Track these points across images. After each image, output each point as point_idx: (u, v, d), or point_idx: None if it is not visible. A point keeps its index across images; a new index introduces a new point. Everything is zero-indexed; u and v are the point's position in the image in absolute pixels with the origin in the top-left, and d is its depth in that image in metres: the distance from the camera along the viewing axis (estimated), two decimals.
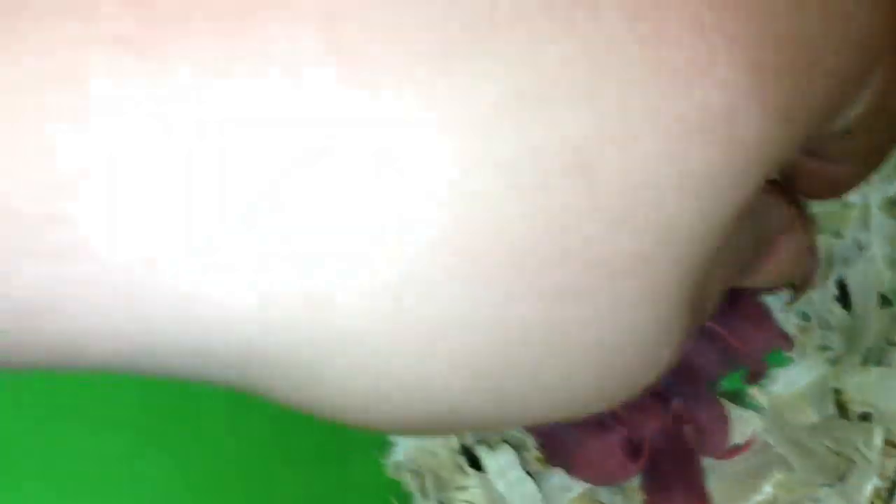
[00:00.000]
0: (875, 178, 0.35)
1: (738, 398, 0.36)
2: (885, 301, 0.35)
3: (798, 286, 0.33)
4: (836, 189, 0.22)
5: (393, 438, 0.39)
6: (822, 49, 0.15)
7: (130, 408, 0.31)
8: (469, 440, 0.38)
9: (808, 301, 0.35)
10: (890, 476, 0.33)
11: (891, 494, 0.33)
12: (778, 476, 0.34)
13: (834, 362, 0.35)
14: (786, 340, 0.34)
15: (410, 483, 0.39)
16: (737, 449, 0.35)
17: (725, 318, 0.34)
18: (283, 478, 0.38)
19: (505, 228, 0.13)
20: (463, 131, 0.13)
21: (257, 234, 0.13)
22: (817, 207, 0.35)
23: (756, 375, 0.35)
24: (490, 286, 0.14)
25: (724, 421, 0.35)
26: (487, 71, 0.13)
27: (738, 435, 0.35)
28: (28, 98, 0.12)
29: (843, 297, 0.36)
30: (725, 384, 0.36)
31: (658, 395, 0.35)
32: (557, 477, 0.37)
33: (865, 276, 0.35)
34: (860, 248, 0.35)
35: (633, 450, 0.34)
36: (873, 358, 0.34)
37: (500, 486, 0.37)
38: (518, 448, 0.38)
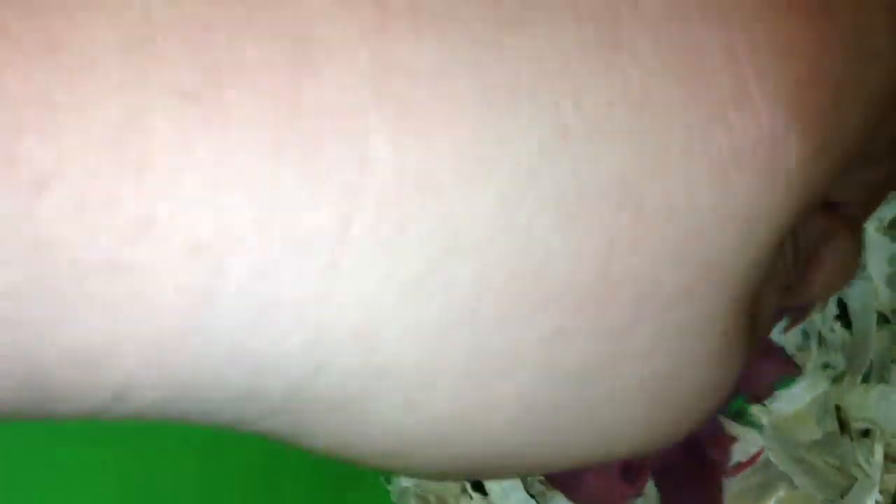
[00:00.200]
0: None
1: (739, 416, 0.36)
2: (883, 320, 0.35)
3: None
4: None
5: None
6: (855, 82, 0.15)
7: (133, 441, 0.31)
8: None
9: (809, 320, 0.36)
10: (891, 491, 0.33)
11: None
12: (780, 493, 0.34)
13: (835, 380, 0.35)
14: (794, 367, 0.35)
15: None
16: (740, 466, 0.35)
17: None
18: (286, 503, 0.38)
19: (550, 264, 0.14)
20: (508, 170, 0.13)
21: (312, 269, 0.13)
22: None
23: (759, 397, 0.35)
24: (536, 323, 0.14)
25: (726, 440, 0.35)
26: (532, 115, 0.13)
27: (740, 453, 0.35)
28: (98, 150, 0.12)
29: (843, 316, 0.36)
30: (727, 403, 0.36)
31: None
32: (561, 500, 0.37)
33: (865, 295, 0.36)
34: (859, 267, 0.36)
35: (632, 473, 0.34)
36: (874, 375, 0.34)
37: None
38: None
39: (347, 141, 0.12)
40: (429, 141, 0.12)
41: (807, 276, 0.21)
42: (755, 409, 0.36)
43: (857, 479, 0.34)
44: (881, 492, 0.33)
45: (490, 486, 0.38)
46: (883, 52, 0.15)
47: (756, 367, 0.34)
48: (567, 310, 0.14)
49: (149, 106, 0.12)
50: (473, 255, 0.13)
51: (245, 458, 0.35)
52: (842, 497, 0.34)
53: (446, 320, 0.14)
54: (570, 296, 0.14)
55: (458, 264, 0.13)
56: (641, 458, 0.34)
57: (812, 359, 0.36)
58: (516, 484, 0.38)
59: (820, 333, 0.36)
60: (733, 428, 0.35)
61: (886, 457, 0.34)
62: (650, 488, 0.35)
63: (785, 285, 0.20)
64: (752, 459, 0.35)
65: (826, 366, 0.36)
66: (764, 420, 0.36)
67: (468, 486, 0.39)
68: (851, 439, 0.34)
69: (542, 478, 0.38)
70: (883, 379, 0.34)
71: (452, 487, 0.39)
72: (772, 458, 0.35)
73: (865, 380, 0.35)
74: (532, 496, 0.38)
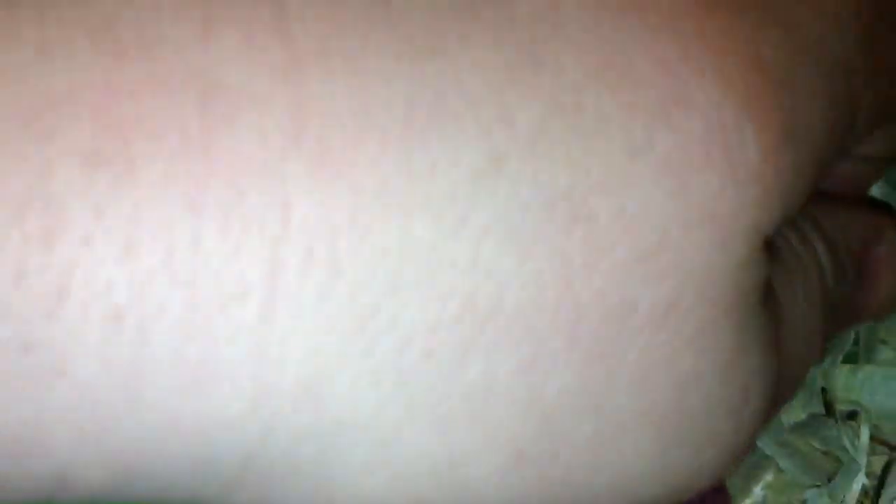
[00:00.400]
0: None
1: None
2: None
3: None
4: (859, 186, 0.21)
5: None
6: (804, 72, 0.14)
7: None
8: None
9: None
10: (877, 474, 0.34)
11: (878, 493, 0.33)
12: (768, 478, 0.34)
13: (821, 361, 0.35)
14: None
15: None
16: None
17: None
18: None
19: (507, 291, 0.13)
20: (441, 200, 0.12)
21: (243, 326, 0.12)
22: None
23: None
24: (503, 356, 0.13)
25: None
26: (462, 141, 0.12)
27: None
28: (1, 226, 0.11)
29: None
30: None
31: None
32: None
33: None
34: None
35: None
36: (861, 356, 0.34)
37: None
38: None
39: (268, 189, 0.12)
40: (353, 180, 0.12)
41: (862, 290, 0.19)
42: None
43: (842, 462, 0.34)
44: (867, 475, 0.33)
45: None
46: (827, 38, 0.15)
47: None
48: (535, 338, 0.13)
49: (51, 172, 0.11)
50: (417, 293, 0.13)
51: None
52: (829, 481, 0.34)
53: (400, 363, 0.13)
54: (535, 323, 0.13)
55: (402, 303, 0.13)
56: None
57: None
58: None
59: None
60: None
61: (873, 438, 0.34)
62: None
63: (833, 302, 0.18)
64: None
65: None
66: None
67: None
68: (837, 421, 0.34)
69: None
70: (869, 360, 0.34)
71: None
72: (757, 442, 0.34)
73: (852, 360, 0.34)
74: None
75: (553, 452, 0.14)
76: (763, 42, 0.14)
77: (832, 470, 0.34)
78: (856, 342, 0.34)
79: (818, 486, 0.34)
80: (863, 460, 0.33)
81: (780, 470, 0.34)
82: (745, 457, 0.16)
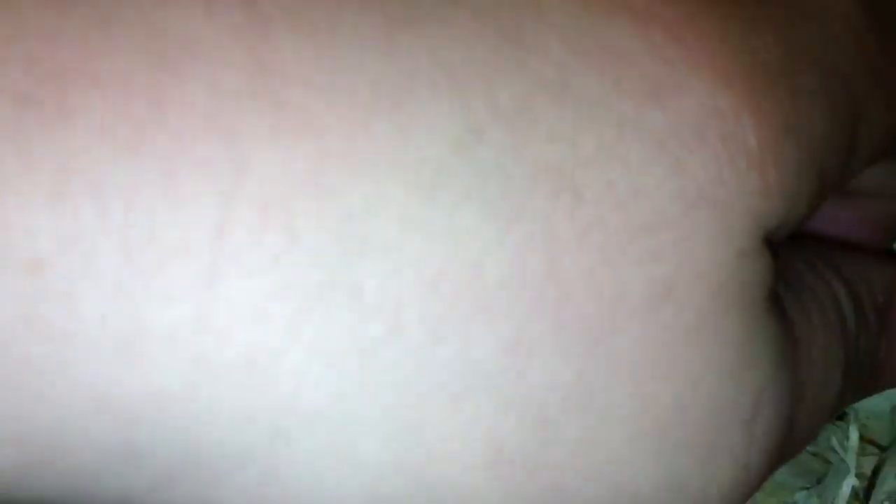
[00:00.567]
0: None
1: None
2: None
3: None
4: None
5: None
6: (802, 67, 0.14)
7: None
8: None
9: None
10: (867, 475, 0.33)
11: (868, 494, 0.33)
12: None
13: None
14: None
15: None
16: None
17: None
18: None
19: (485, 261, 0.12)
20: (415, 167, 0.12)
21: (184, 287, 0.11)
22: None
23: None
24: (481, 335, 0.12)
25: None
26: (439, 112, 0.12)
27: None
28: None
29: None
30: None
31: None
32: None
33: None
34: None
35: None
36: None
37: None
38: None
39: (219, 143, 0.11)
40: (318, 142, 0.11)
41: (885, 347, 0.19)
42: None
43: (832, 463, 0.33)
44: (858, 476, 0.33)
45: None
46: (825, 40, 0.15)
47: None
48: (516, 318, 0.12)
49: None
50: (384, 259, 0.12)
51: None
52: (819, 482, 0.33)
53: (362, 339, 0.12)
54: (517, 301, 0.12)
55: (367, 270, 0.12)
56: None
57: None
58: None
59: None
60: None
61: (862, 439, 0.33)
62: None
63: (858, 361, 0.17)
64: None
65: None
66: None
67: None
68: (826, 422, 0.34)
69: None
70: None
71: None
72: None
73: None
74: None
75: (537, 452, 0.13)
76: (759, 37, 0.14)
77: (822, 472, 0.33)
78: None
79: (808, 489, 0.33)
80: (852, 462, 0.33)
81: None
82: (757, 486, 0.15)
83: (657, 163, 0.13)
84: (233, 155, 0.11)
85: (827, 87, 0.14)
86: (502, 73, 0.12)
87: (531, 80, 0.12)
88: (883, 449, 0.34)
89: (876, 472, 0.33)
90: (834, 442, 0.33)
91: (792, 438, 0.15)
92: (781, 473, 0.34)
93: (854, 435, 0.33)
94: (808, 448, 0.34)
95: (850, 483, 0.33)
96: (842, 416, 0.34)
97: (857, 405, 0.33)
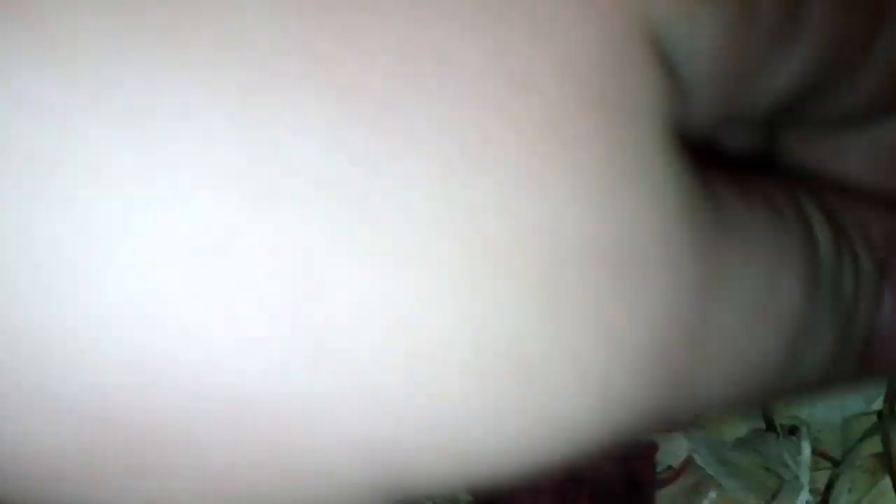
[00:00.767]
0: None
1: None
2: None
3: None
4: None
5: None
6: None
7: None
8: None
9: None
10: (820, 490, 0.33)
11: None
12: (712, 495, 0.33)
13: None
14: None
15: None
16: (676, 473, 0.33)
17: None
18: None
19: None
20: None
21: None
22: None
23: None
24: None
25: (649, 449, 0.33)
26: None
27: (668, 456, 0.33)
28: None
29: None
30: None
31: None
32: None
33: None
34: None
35: (569, 500, 0.32)
36: None
37: None
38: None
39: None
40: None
41: (880, 308, 0.15)
42: None
43: (785, 479, 0.33)
44: (811, 491, 0.33)
45: None
46: None
47: None
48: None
49: None
50: (294, 208, 0.09)
51: None
52: (773, 498, 0.33)
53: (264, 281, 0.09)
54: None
55: (277, 225, 0.09)
56: (576, 488, 0.31)
57: None
58: None
59: None
60: (654, 435, 0.33)
61: (815, 452, 0.33)
62: None
63: (846, 307, 0.14)
64: (682, 469, 0.33)
65: None
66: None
67: None
68: (779, 436, 0.33)
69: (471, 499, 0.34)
70: None
71: None
72: (698, 462, 0.33)
73: None
74: None
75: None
76: None
77: (776, 487, 0.33)
78: None
79: None
80: (805, 477, 0.33)
81: (722, 489, 0.33)
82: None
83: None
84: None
85: None
86: None
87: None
88: (836, 463, 0.33)
89: (829, 486, 0.33)
90: (787, 457, 0.33)
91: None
92: (734, 490, 0.33)
93: (807, 450, 0.33)
94: (760, 463, 0.33)
95: (803, 499, 0.32)
96: (793, 431, 0.34)
97: (809, 419, 0.33)
